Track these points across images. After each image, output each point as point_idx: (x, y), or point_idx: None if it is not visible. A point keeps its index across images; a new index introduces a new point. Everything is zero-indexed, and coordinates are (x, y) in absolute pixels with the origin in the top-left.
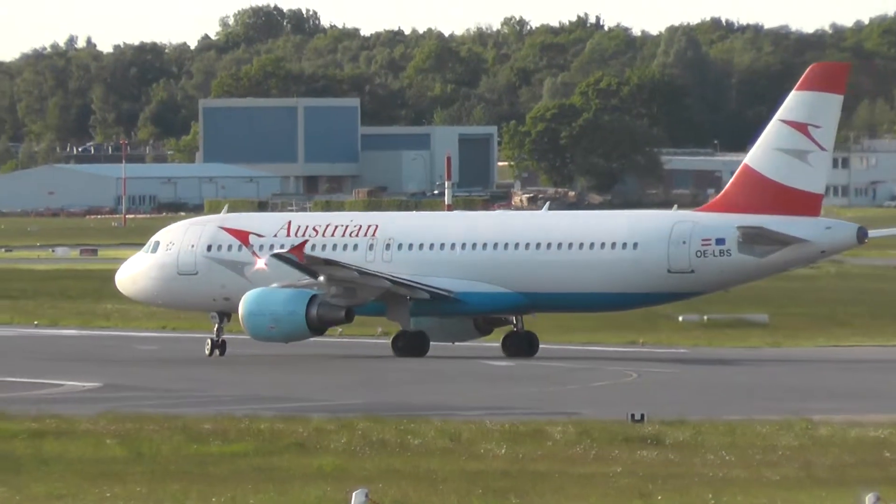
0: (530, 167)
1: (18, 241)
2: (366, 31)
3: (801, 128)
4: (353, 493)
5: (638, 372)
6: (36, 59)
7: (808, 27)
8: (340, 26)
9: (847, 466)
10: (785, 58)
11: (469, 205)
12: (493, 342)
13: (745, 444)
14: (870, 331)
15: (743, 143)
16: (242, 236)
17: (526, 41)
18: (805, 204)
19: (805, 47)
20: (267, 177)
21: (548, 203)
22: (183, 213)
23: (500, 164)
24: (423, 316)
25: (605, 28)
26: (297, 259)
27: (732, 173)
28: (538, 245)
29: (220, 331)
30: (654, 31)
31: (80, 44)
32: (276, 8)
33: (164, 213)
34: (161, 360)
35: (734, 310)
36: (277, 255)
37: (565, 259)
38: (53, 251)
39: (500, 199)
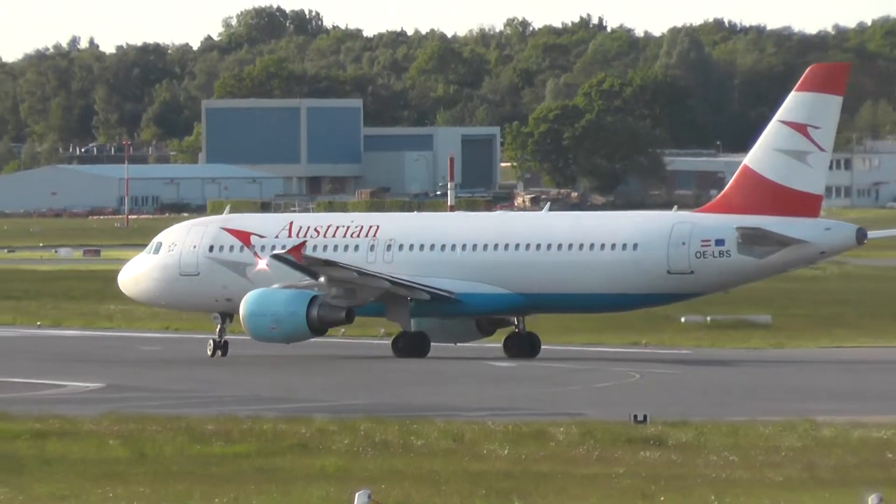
0: (533, 168)
1: (21, 241)
2: (368, 32)
3: (800, 129)
4: (356, 494)
5: (641, 373)
6: (39, 60)
7: (811, 28)
8: (343, 27)
9: (850, 467)
10: (788, 59)
11: (472, 206)
12: (495, 343)
13: (748, 445)
14: (873, 332)
15: (745, 144)
16: (244, 237)
17: (529, 42)
18: (804, 205)
19: (808, 48)
20: (270, 178)
21: (548, 204)
22: (186, 214)
23: (503, 165)
24: (423, 317)
25: (608, 29)
26: (296, 260)
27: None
28: (538, 246)
29: (222, 331)
30: (656, 32)
31: (83, 44)
32: (278, 9)
33: (167, 214)
34: (164, 360)
35: (737, 311)
36: (276, 256)
37: (565, 260)
38: (56, 252)
39: (502, 200)
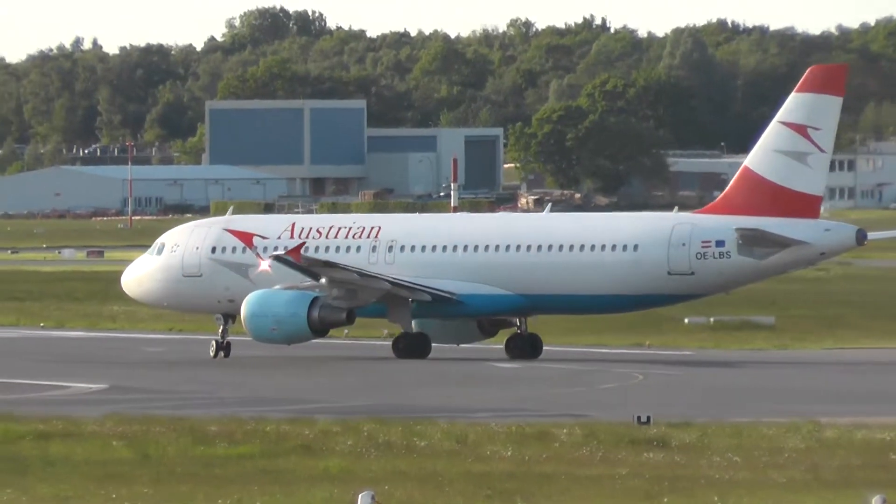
0: (536, 169)
1: (24, 242)
2: (372, 33)
3: (800, 130)
4: (359, 495)
5: (644, 374)
6: (42, 61)
7: (814, 29)
8: (346, 28)
9: (854, 469)
10: (791, 59)
11: (475, 207)
12: (496, 344)
13: (752, 447)
14: (876, 333)
15: (749, 145)
16: (246, 238)
17: (532, 43)
18: (804, 206)
19: (811, 49)
20: (273, 179)
21: (549, 205)
22: (189, 215)
23: (507, 165)
24: (425, 318)
25: (611, 30)
26: (294, 261)
27: None
28: (539, 247)
29: (224, 332)
30: (659, 33)
31: (87, 45)
32: (282, 9)
33: (171, 215)
34: (167, 362)
35: (740, 312)
36: (275, 257)
37: (566, 261)
38: (60, 253)
39: (506, 201)
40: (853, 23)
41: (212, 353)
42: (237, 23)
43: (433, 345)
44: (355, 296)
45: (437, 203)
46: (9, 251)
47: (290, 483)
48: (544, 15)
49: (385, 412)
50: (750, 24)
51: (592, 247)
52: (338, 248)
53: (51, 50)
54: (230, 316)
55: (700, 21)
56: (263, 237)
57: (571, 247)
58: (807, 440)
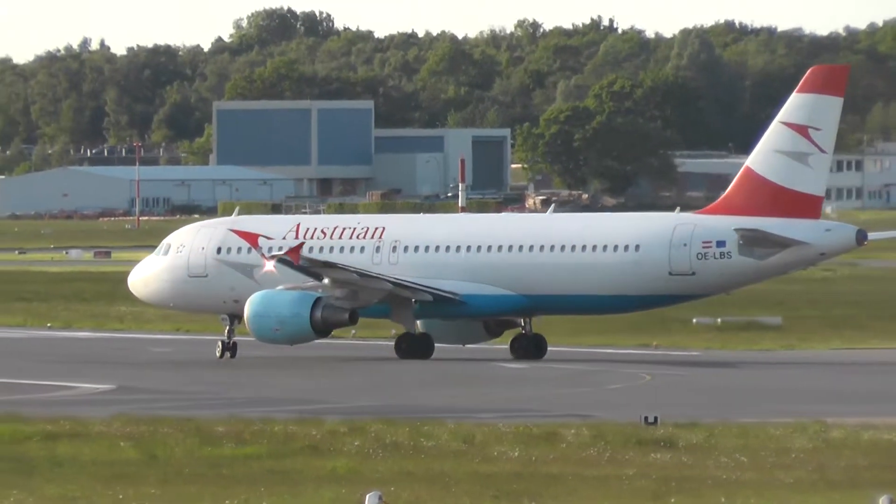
0: (544, 169)
1: (32, 243)
2: (379, 34)
3: (801, 130)
4: (367, 496)
5: (651, 374)
6: (50, 62)
7: (822, 30)
8: (354, 28)
9: (861, 469)
10: (798, 60)
11: (483, 207)
12: (501, 345)
13: (759, 447)
14: (883, 333)
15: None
16: (252, 239)
17: (539, 43)
18: (805, 206)
19: (819, 50)
20: (280, 179)
21: (552, 205)
22: (196, 216)
23: (514, 166)
24: (428, 318)
25: (619, 30)
26: (293, 261)
27: None
28: (541, 247)
29: (230, 333)
30: (667, 34)
31: (94, 46)
32: (289, 10)
33: (178, 216)
34: (174, 362)
35: (747, 312)
36: (274, 258)
37: (568, 261)
38: (67, 253)
39: (513, 202)
40: (861, 23)
41: (218, 354)
42: (244, 23)
43: (439, 345)
44: (358, 296)
45: (444, 203)
46: (16, 252)
47: (297, 483)
48: (552, 16)
49: (391, 413)
50: (758, 25)
51: (594, 247)
52: (342, 249)
53: (58, 50)
54: (236, 316)
55: (708, 22)
56: (268, 238)
57: (573, 247)
58: (814, 441)
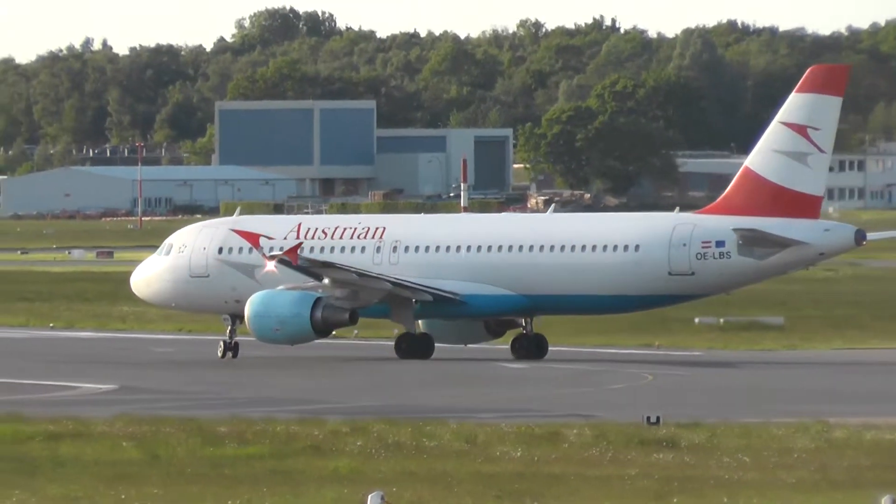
0: (546, 170)
1: (34, 243)
2: (382, 34)
3: (800, 130)
4: (369, 496)
5: (653, 374)
6: (52, 62)
7: (825, 29)
8: (356, 28)
9: (863, 469)
10: (801, 60)
11: (485, 207)
12: (502, 345)
13: (761, 447)
14: (886, 334)
15: None
16: (253, 239)
17: (541, 43)
18: (804, 206)
19: (821, 49)
20: (283, 179)
21: (552, 205)
22: (199, 216)
23: (516, 166)
24: (429, 318)
25: (621, 30)
26: (291, 261)
27: None
28: (541, 247)
29: (232, 333)
30: (669, 34)
31: (96, 46)
32: (291, 10)
33: (180, 216)
34: (177, 362)
35: (750, 312)
36: (272, 258)
37: (567, 261)
38: (69, 253)
39: (515, 202)
40: (863, 23)
41: (220, 354)
42: (247, 23)
43: (440, 345)
44: (358, 296)
45: (446, 204)
46: (19, 252)
47: (299, 483)
48: (554, 15)
49: (393, 413)
50: (760, 25)
51: (594, 247)
52: (342, 249)
53: (60, 50)
54: (238, 316)
55: (710, 22)
56: (270, 238)
57: (573, 247)
58: (816, 441)
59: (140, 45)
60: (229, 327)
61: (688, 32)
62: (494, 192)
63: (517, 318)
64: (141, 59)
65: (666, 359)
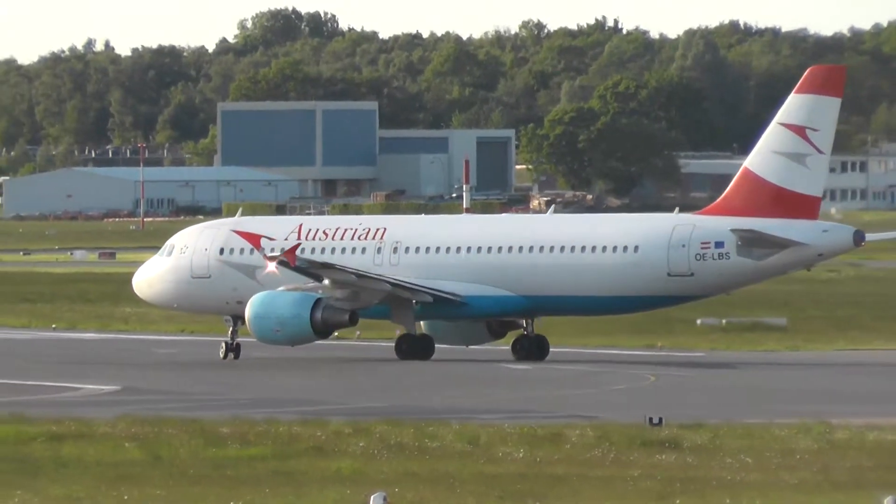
0: (548, 170)
1: (36, 244)
2: (384, 35)
3: (799, 131)
4: (372, 497)
5: (656, 375)
6: (54, 63)
7: (827, 30)
8: (359, 29)
9: (865, 470)
10: (803, 61)
11: (487, 208)
12: (502, 346)
13: (763, 448)
14: (888, 334)
15: None
16: (254, 240)
17: (544, 44)
18: (803, 207)
19: (823, 50)
20: (285, 180)
21: (553, 206)
22: (201, 217)
23: (518, 167)
24: (429, 319)
25: (624, 31)
26: (289, 262)
27: None
28: (541, 248)
29: (234, 334)
30: (672, 35)
31: (99, 47)
32: (294, 11)
33: (182, 217)
34: (179, 363)
35: (752, 313)
36: (271, 259)
37: (567, 262)
38: (71, 254)
39: (518, 203)
40: (865, 24)
41: (221, 355)
42: (249, 24)
43: (442, 346)
44: (358, 297)
45: (448, 204)
46: (21, 253)
47: (302, 484)
48: (556, 16)
49: (395, 413)
50: (762, 26)
51: (593, 248)
52: (343, 250)
53: (63, 51)
54: (239, 317)
55: (712, 22)
56: (271, 238)
57: (573, 248)
58: (818, 441)
59: (142, 46)
60: (231, 328)
61: (690, 33)
62: (497, 193)
63: (518, 320)
64: (143, 60)
65: (668, 360)
